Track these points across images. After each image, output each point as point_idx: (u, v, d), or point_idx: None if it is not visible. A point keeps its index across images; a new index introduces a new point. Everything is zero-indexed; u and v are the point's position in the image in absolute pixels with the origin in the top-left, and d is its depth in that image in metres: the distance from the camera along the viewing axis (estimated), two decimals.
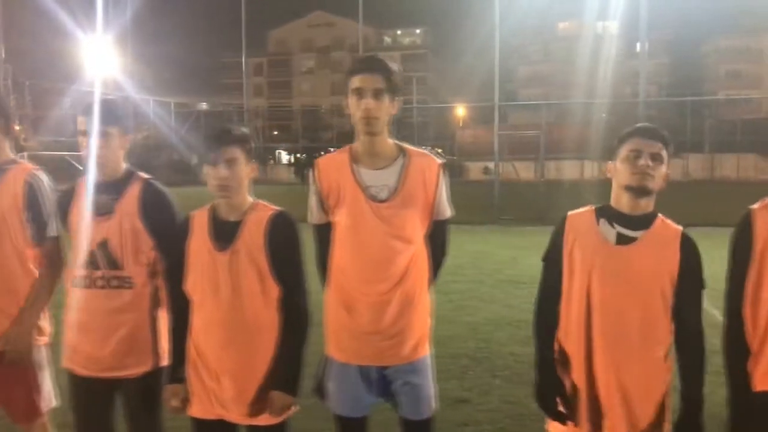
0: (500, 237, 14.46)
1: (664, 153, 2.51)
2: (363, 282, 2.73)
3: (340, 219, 2.77)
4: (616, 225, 2.54)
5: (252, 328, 2.67)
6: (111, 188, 2.98)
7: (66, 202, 3.04)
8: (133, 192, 2.99)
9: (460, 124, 60.35)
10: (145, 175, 3.07)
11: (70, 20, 24.25)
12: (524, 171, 27.32)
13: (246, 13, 28.55)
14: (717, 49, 68.84)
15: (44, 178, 3.18)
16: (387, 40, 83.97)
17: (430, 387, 2.83)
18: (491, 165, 23.34)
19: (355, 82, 2.69)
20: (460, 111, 59.08)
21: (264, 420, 2.70)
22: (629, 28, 34.13)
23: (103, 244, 2.92)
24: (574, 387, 2.55)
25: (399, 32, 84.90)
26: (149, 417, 3.05)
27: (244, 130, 2.76)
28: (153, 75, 27.31)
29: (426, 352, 2.82)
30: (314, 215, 2.85)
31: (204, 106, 54.64)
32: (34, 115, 27.51)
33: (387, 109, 2.73)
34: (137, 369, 2.96)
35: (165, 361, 2.95)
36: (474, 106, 55.78)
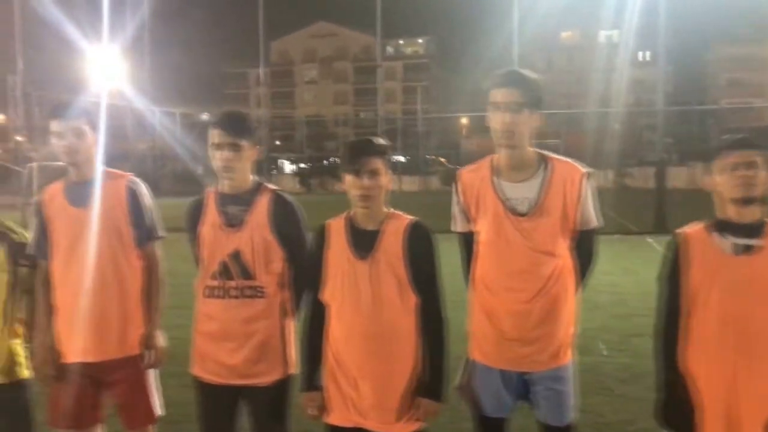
0: None
1: (758, 159, 2.53)
2: (504, 290, 2.78)
3: (482, 230, 2.83)
4: (729, 236, 2.56)
5: (392, 336, 2.72)
6: (241, 200, 3.04)
7: (196, 214, 3.09)
8: (263, 204, 3.04)
9: (464, 133, 60.48)
10: (272, 187, 3.13)
11: (76, 30, 24.44)
12: None
13: (249, 23, 28.66)
14: (719, 58, 68.99)
15: (142, 184, 3.26)
16: (389, 50, 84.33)
17: (571, 395, 2.84)
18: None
19: (494, 95, 2.74)
20: (464, 120, 59.19)
21: (401, 428, 2.74)
22: (631, 36, 34.25)
23: (236, 255, 2.98)
24: (702, 405, 2.57)
25: (401, 42, 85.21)
26: (278, 425, 3.08)
27: (385, 141, 2.83)
28: (157, 85, 27.47)
29: (568, 359, 2.83)
30: (458, 224, 2.94)
31: (206, 116, 54.83)
32: (42, 125, 27.69)
33: (526, 122, 2.74)
34: (268, 377, 3.01)
35: (293, 369, 3.05)
36: (479, 116, 55.91)
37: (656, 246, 13.35)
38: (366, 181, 2.70)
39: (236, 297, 2.98)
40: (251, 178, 3.10)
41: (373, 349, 2.71)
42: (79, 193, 3.16)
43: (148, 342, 3.17)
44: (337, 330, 2.78)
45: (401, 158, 41.90)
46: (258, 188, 3.08)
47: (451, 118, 60.06)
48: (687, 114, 41.08)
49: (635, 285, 9.40)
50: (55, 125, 3.10)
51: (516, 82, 2.72)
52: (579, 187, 2.77)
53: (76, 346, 3.12)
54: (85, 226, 3.12)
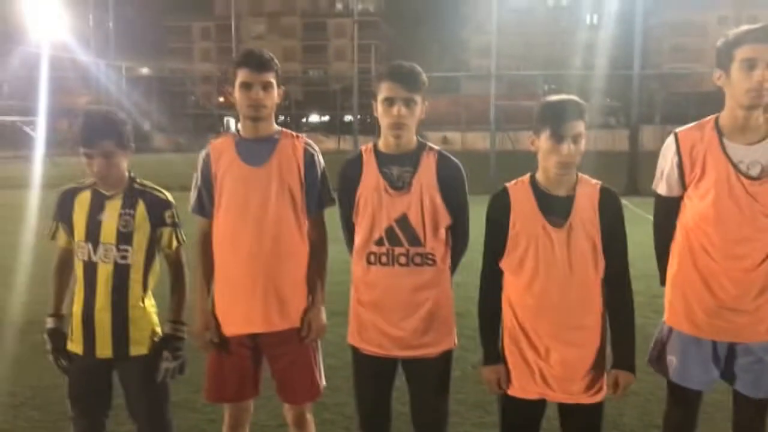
0: None
1: None
2: (727, 258, 2.71)
3: (704, 193, 2.73)
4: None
5: (584, 306, 2.66)
6: (405, 160, 2.88)
7: (353, 175, 2.92)
8: (429, 165, 2.89)
9: None
10: (437, 147, 2.97)
11: None
12: (480, 141, 27.66)
13: None
14: (662, 23, 70.25)
15: (318, 149, 3.08)
16: (339, 6, 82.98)
17: None
18: (449, 135, 23.41)
19: None
20: None
21: (587, 399, 2.69)
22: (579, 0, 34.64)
23: (403, 220, 2.83)
24: None
25: None
26: (442, 399, 2.99)
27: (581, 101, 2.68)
28: (100, 38, 26.55)
29: None
30: (667, 188, 2.87)
31: (146, 70, 53.15)
32: None
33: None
34: (436, 348, 2.89)
35: (456, 340, 2.96)
36: (433, 76, 55.78)
37: (631, 206, 13.75)
38: (569, 146, 2.57)
39: (405, 264, 2.84)
40: (414, 137, 2.93)
41: (565, 319, 2.64)
42: (253, 150, 2.97)
43: (310, 315, 3.01)
44: (526, 299, 2.68)
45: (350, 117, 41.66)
46: (423, 148, 2.92)
47: None
48: (631, 78, 41.96)
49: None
50: (245, 75, 2.89)
51: None
52: None
53: (240, 315, 2.96)
54: (261, 187, 2.93)
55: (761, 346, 2.74)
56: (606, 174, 2.82)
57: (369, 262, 2.88)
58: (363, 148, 2.99)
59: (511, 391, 2.75)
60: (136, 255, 2.94)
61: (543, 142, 2.61)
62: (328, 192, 3.08)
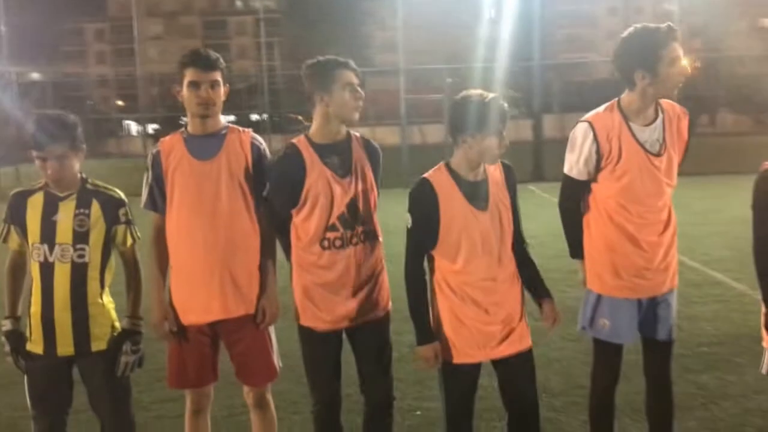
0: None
1: None
2: (644, 226, 3.11)
3: (622, 174, 3.08)
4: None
5: (511, 272, 3.06)
6: (340, 148, 3.08)
7: (296, 170, 3.03)
8: (359, 148, 3.13)
9: None
10: (357, 133, 3.19)
11: None
12: (389, 136, 27.87)
13: None
14: (555, 14, 72.88)
15: (263, 142, 3.23)
16: (239, 4, 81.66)
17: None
18: (361, 130, 23.39)
19: None
20: None
21: (525, 344, 3.05)
22: None
23: (353, 203, 3.05)
24: None
25: None
26: (388, 351, 3.22)
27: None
28: None
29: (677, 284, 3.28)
30: (583, 172, 3.16)
31: (37, 76, 50.67)
32: None
33: None
34: (383, 310, 3.17)
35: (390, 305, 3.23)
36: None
37: (538, 192, 14.28)
38: (503, 142, 2.94)
39: (357, 244, 3.06)
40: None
41: (500, 286, 2.97)
42: (202, 146, 3.10)
43: (264, 301, 3.17)
44: (463, 277, 2.93)
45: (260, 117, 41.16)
46: (350, 134, 3.16)
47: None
48: (530, 69, 43.37)
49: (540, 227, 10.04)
50: (194, 74, 3.03)
51: None
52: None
53: (199, 304, 3.10)
54: (212, 180, 3.06)
55: (669, 294, 3.23)
56: (512, 162, 3.11)
57: (324, 248, 3.04)
58: (294, 143, 3.10)
59: (457, 360, 2.98)
60: (92, 253, 3.01)
61: (482, 141, 2.86)
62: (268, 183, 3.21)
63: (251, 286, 3.14)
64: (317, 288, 3.08)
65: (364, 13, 62.09)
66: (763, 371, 3.04)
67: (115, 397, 3.10)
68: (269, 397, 3.33)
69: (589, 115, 3.17)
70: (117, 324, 3.12)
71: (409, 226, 2.98)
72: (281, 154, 3.11)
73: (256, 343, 3.20)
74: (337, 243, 3.04)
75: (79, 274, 2.98)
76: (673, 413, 3.35)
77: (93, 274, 3.02)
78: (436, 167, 3.00)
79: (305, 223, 3.05)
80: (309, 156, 3.04)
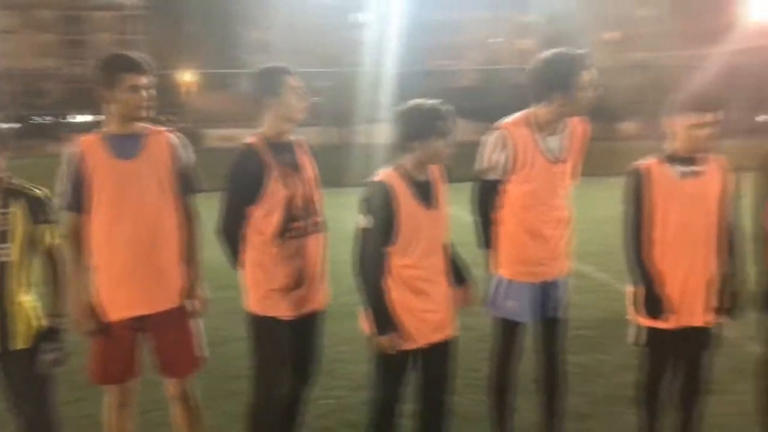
0: None
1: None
2: (546, 222, 3.55)
3: (528, 178, 3.49)
4: (677, 166, 3.46)
5: (447, 260, 3.38)
6: (286, 145, 3.30)
7: (256, 169, 3.19)
8: (302, 143, 3.40)
9: (189, 91, 58.43)
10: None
11: None
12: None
13: None
14: (422, 23, 74.88)
15: (184, 140, 3.35)
16: None
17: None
18: (233, 132, 22.78)
19: None
20: (188, 77, 57.10)
21: (453, 331, 3.35)
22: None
23: (306, 195, 3.29)
24: (667, 292, 3.47)
25: None
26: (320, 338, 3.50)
27: None
28: None
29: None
30: (495, 174, 3.52)
31: None
32: None
33: None
34: (328, 296, 3.46)
35: None
36: (212, 73, 54.40)
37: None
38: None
39: (313, 232, 3.31)
40: None
41: (443, 276, 3.28)
42: (123, 145, 3.14)
43: (191, 292, 3.28)
44: (415, 271, 3.16)
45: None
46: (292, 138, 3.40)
47: (171, 75, 57.50)
48: (403, 77, 44.47)
49: None
50: (137, 79, 3.12)
51: None
52: None
53: (122, 301, 3.16)
54: (134, 179, 3.12)
55: (563, 279, 3.72)
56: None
57: (286, 238, 3.24)
58: (250, 143, 3.27)
59: (406, 346, 3.19)
60: (15, 252, 3.00)
61: (435, 145, 3.13)
62: (197, 179, 3.37)
63: (176, 279, 3.25)
64: (284, 279, 3.24)
65: (234, 12, 61.00)
66: (630, 341, 3.61)
67: (37, 395, 3.08)
68: (192, 390, 3.40)
69: (504, 122, 3.56)
70: (39, 323, 3.10)
71: (366, 226, 3.14)
72: (239, 154, 3.26)
73: (183, 335, 3.30)
74: (299, 233, 3.26)
75: (1, 272, 2.98)
76: (561, 384, 3.79)
77: (15, 272, 3.01)
78: (386, 170, 3.20)
79: (267, 218, 3.21)
80: (267, 154, 3.22)
